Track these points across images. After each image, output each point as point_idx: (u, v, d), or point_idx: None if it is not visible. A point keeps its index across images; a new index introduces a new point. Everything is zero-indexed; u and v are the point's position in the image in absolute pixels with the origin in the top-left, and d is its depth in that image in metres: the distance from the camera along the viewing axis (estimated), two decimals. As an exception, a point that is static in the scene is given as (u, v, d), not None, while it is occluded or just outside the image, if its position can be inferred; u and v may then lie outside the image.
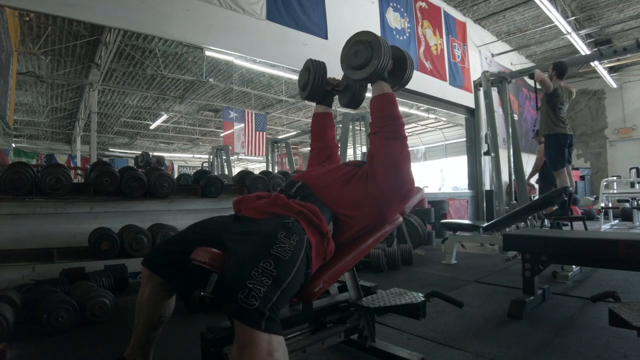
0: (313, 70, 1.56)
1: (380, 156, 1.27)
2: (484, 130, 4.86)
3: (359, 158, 5.95)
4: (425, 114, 12.56)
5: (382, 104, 1.31)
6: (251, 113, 10.02)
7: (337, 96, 1.69)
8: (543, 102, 4.17)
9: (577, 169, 9.74)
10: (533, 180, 5.68)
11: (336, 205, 1.24)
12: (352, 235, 1.28)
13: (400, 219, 1.45)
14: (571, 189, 3.74)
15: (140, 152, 5.77)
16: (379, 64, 1.26)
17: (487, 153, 4.49)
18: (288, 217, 1.09)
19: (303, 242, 1.03)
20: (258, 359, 0.79)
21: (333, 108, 1.70)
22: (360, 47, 1.30)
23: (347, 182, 1.28)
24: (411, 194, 1.36)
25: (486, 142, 4.51)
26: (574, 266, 2.84)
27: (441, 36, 6.26)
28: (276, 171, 6.52)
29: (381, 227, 1.34)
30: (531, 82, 4.33)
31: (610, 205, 6.19)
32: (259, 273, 0.86)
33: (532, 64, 8.81)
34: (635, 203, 6.22)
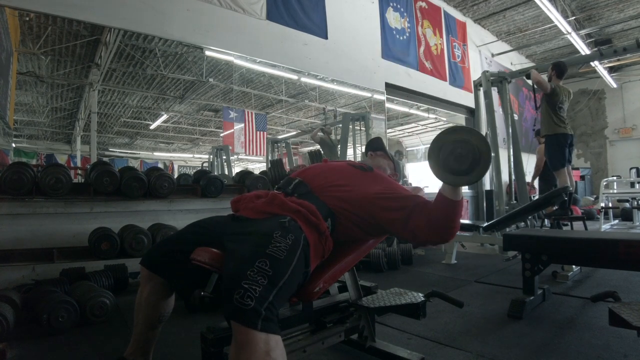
0: (273, 169, 1.76)
1: (415, 240, 1.19)
2: (484, 130, 4.86)
3: (359, 158, 5.95)
4: (425, 114, 12.51)
5: (452, 211, 1.11)
6: (251, 113, 10.00)
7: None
8: (542, 102, 4.17)
9: (577, 169, 9.74)
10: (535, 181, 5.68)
11: (336, 205, 1.23)
12: (352, 235, 1.28)
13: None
14: (571, 188, 3.74)
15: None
16: (481, 175, 1.05)
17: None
18: (284, 217, 1.10)
19: (299, 241, 1.03)
20: (255, 358, 0.79)
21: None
22: (468, 152, 1.04)
23: (352, 186, 1.27)
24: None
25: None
26: (574, 266, 2.84)
27: (441, 36, 6.26)
28: (276, 171, 6.51)
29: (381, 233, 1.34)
30: (531, 82, 4.33)
31: (610, 205, 6.19)
32: (255, 273, 0.87)
33: (532, 64, 8.81)
34: (635, 203, 6.21)
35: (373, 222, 1.23)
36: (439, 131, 1.13)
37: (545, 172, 4.98)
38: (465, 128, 1.13)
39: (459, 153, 1.05)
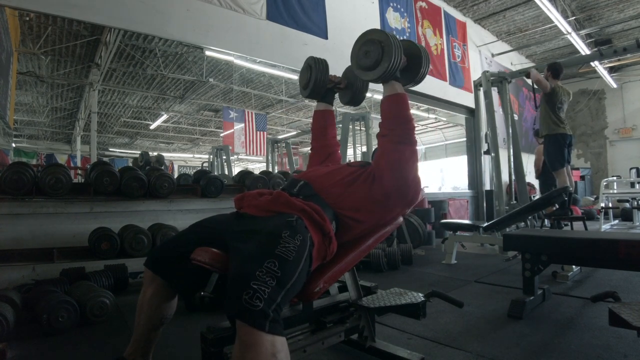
0: (315, 68, 1.54)
1: (388, 160, 1.23)
2: (484, 130, 4.86)
3: (359, 158, 5.95)
4: (425, 114, 12.56)
5: (393, 106, 1.26)
6: (251, 113, 10.02)
7: (337, 94, 1.69)
8: (542, 102, 4.17)
9: (577, 169, 9.74)
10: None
11: (338, 206, 1.23)
12: (354, 235, 1.28)
13: (401, 219, 1.45)
14: (571, 189, 3.74)
15: (140, 152, 5.77)
16: (389, 65, 1.20)
17: (487, 152, 4.49)
18: (291, 215, 1.08)
19: (307, 242, 1.02)
20: None
21: (333, 107, 1.70)
22: (371, 47, 1.24)
23: (350, 184, 1.27)
24: (416, 200, 1.32)
25: (486, 142, 4.52)
26: (574, 266, 2.84)
27: (441, 36, 6.26)
28: (276, 171, 6.52)
29: (382, 227, 1.34)
30: (531, 82, 4.34)
31: (610, 205, 6.19)
32: (264, 274, 0.86)
33: (532, 64, 8.81)
34: (635, 203, 6.21)
35: (373, 202, 1.23)
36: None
37: (544, 172, 4.98)
38: (368, 30, 1.30)
39: (365, 50, 1.27)
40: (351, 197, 1.24)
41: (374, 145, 1.53)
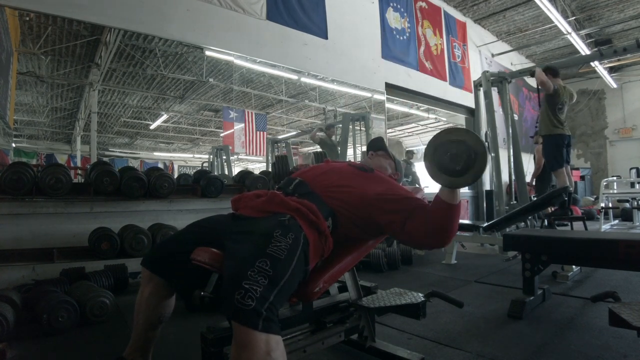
0: (277, 165, 1.81)
1: (412, 242, 1.25)
2: (484, 130, 4.86)
3: (359, 158, 5.95)
4: (425, 114, 12.52)
5: (449, 215, 1.11)
6: (251, 113, 10.00)
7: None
8: (543, 102, 4.17)
9: (577, 169, 9.74)
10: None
11: (337, 205, 1.23)
12: (353, 234, 1.28)
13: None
14: (571, 189, 3.74)
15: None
16: (475, 178, 1.05)
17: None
18: (284, 215, 1.09)
19: (299, 240, 1.03)
20: (256, 359, 0.79)
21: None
22: (463, 153, 1.04)
23: (350, 187, 1.27)
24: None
25: (486, 140, 4.51)
26: (574, 266, 2.84)
27: (441, 36, 6.26)
28: (276, 171, 6.52)
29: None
30: (533, 82, 4.32)
31: (610, 205, 6.19)
32: (255, 273, 0.86)
33: (532, 64, 8.81)
34: (635, 203, 6.21)
35: (372, 223, 1.23)
36: (439, 131, 1.13)
37: (542, 173, 4.98)
38: (462, 129, 1.12)
39: (454, 153, 1.05)
40: (352, 202, 1.24)
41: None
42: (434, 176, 1.10)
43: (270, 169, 8.00)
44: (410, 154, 7.57)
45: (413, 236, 1.16)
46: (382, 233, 1.31)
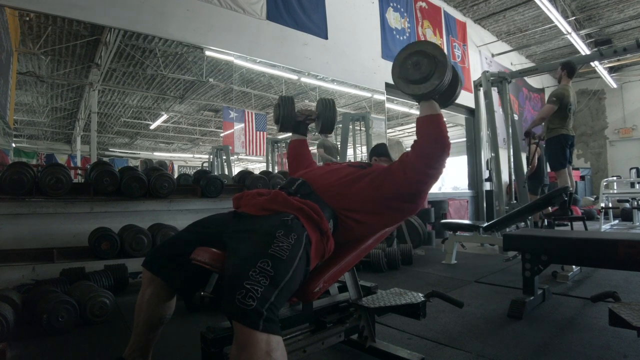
0: (282, 106, 1.65)
1: (411, 182, 1.21)
2: (484, 130, 4.86)
3: (359, 158, 5.95)
4: (425, 114, 12.54)
5: (433, 127, 1.18)
6: (251, 113, 9.98)
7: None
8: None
9: (577, 169, 9.74)
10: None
11: (337, 205, 1.24)
12: (353, 235, 1.28)
13: (401, 219, 1.45)
14: (571, 189, 3.74)
15: (141, 160, 5.79)
16: (440, 83, 1.13)
17: (488, 179, 4.51)
18: (287, 214, 1.09)
19: (302, 240, 1.03)
20: (257, 359, 0.79)
21: (306, 138, 1.76)
22: (422, 59, 1.15)
23: (350, 184, 1.28)
24: (418, 210, 1.34)
25: (487, 168, 4.56)
26: (574, 266, 2.84)
27: (441, 36, 6.26)
28: (276, 171, 6.52)
29: (381, 228, 1.34)
30: (533, 82, 4.35)
31: (610, 205, 6.19)
32: (257, 273, 0.86)
33: (532, 64, 8.81)
34: (635, 203, 6.22)
35: (377, 204, 1.23)
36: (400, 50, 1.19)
37: (535, 172, 4.98)
38: (418, 41, 1.22)
39: (415, 61, 1.16)
40: (351, 197, 1.24)
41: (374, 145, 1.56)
42: (404, 88, 1.19)
43: (270, 169, 8.00)
44: None
45: (415, 166, 1.18)
46: (390, 216, 1.30)
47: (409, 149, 1.23)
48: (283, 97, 1.64)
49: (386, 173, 1.26)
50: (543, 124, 4.31)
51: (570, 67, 4.08)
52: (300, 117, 1.67)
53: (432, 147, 1.17)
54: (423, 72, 1.15)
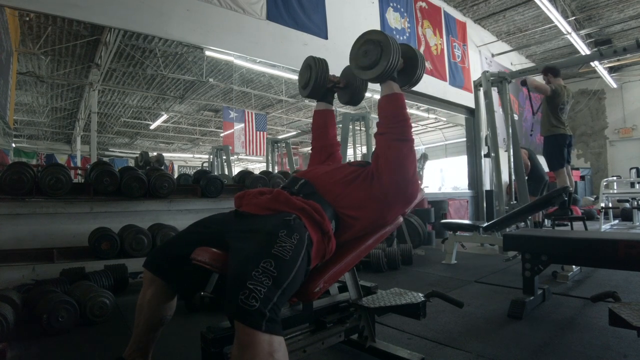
0: (315, 68, 1.54)
1: (386, 158, 1.24)
2: (484, 130, 4.86)
3: (359, 158, 5.95)
4: (425, 114, 12.55)
5: (390, 105, 1.28)
6: (251, 113, 10.01)
7: (336, 94, 1.69)
8: (543, 103, 4.18)
9: (577, 169, 9.74)
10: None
11: (338, 205, 1.23)
12: (353, 234, 1.28)
13: (401, 219, 1.45)
14: (571, 188, 3.75)
15: (140, 152, 5.78)
16: (387, 64, 1.23)
17: (487, 155, 4.48)
18: (289, 214, 1.09)
19: (304, 241, 1.02)
20: (259, 359, 0.79)
21: (333, 107, 1.70)
22: (370, 46, 1.28)
23: (350, 182, 1.28)
24: (414, 198, 1.33)
25: (486, 144, 4.51)
26: (574, 266, 2.84)
27: (441, 36, 6.26)
28: (276, 171, 6.52)
29: (381, 227, 1.34)
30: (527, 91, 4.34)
31: (610, 205, 6.19)
32: (260, 273, 0.86)
33: (532, 64, 8.81)
34: (635, 203, 6.21)
35: (373, 201, 1.23)
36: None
37: (532, 172, 4.98)
38: (367, 31, 1.33)
39: (364, 50, 1.30)
40: (351, 195, 1.24)
41: (374, 145, 1.54)
42: (361, 75, 1.33)
43: (270, 169, 8.00)
44: (424, 157, 7.51)
45: (383, 147, 1.26)
46: (386, 212, 1.29)
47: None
48: (316, 58, 1.55)
49: (372, 170, 1.29)
50: (540, 124, 4.31)
51: (552, 69, 4.10)
52: (329, 83, 1.58)
53: (393, 122, 1.26)
54: (371, 57, 1.27)
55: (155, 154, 6.16)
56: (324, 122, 1.65)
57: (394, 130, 1.25)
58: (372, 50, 1.27)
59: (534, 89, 4.12)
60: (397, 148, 1.23)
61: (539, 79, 4.49)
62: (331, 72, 1.60)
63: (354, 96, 1.62)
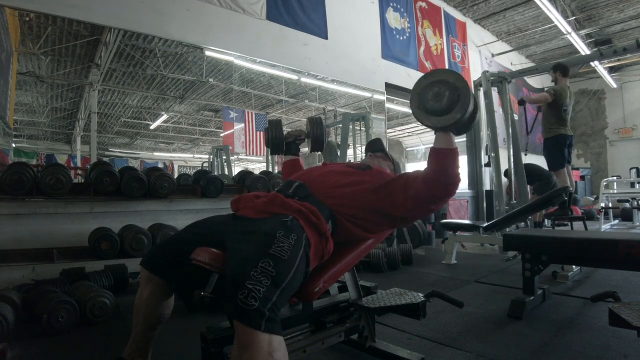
0: (271, 129, 1.68)
1: (412, 209, 1.19)
2: (484, 130, 4.86)
3: (359, 158, 5.94)
4: (425, 114, 12.54)
5: (447, 162, 1.10)
6: (251, 113, 9.98)
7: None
8: (544, 105, 4.19)
9: (577, 169, 9.74)
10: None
11: (336, 206, 1.23)
12: (351, 235, 1.28)
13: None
14: (571, 188, 3.75)
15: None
16: (461, 117, 1.05)
17: (487, 164, 4.49)
18: (286, 216, 1.09)
19: (302, 241, 1.03)
20: (258, 359, 0.79)
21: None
22: (445, 90, 1.07)
23: (349, 186, 1.27)
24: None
25: (486, 154, 4.53)
26: (574, 266, 2.84)
27: (441, 36, 6.26)
28: (276, 171, 6.52)
29: (380, 231, 1.34)
30: (533, 82, 4.34)
31: (610, 205, 6.19)
32: (258, 273, 0.86)
33: (532, 64, 8.81)
34: (635, 203, 6.21)
35: (375, 215, 1.23)
36: (419, 77, 1.15)
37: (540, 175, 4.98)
38: (440, 69, 1.14)
39: (436, 92, 1.08)
40: (349, 199, 1.24)
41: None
42: (422, 119, 1.11)
43: (270, 169, 8.00)
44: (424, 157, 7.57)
45: (419, 196, 1.15)
46: (384, 226, 1.31)
47: (419, 171, 1.17)
48: (271, 121, 1.70)
49: (387, 189, 1.22)
50: (541, 125, 4.31)
51: (563, 67, 4.10)
52: (290, 138, 1.70)
53: (441, 184, 1.11)
54: (444, 104, 1.07)
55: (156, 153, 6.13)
56: (291, 170, 1.72)
57: (441, 191, 1.13)
58: (446, 95, 1.06)
59: (534, 103, 4.17)
60: (434, 207, 1.20)
61: (538, 78, 4.49)
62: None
63: (315, 144, 1.69)
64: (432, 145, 1.14)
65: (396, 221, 1.30)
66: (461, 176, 1.16)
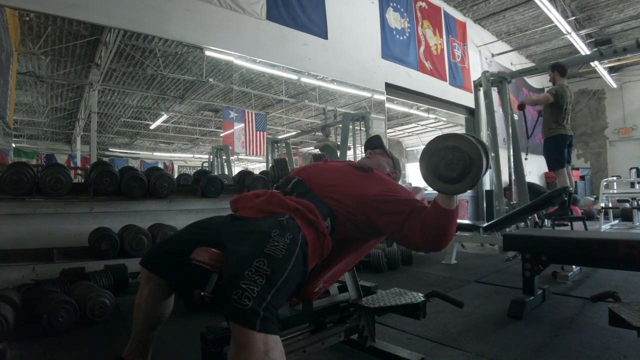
0: (276, 168, 1.81)
1: (403, 241, 1.19)
2: (484, 130, 4.86)
3: (358, 158, 5.95)
4: (425, 114, 12.51)
5: (446, 221, 1.09)
6: (251, 113, 9.99)
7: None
8: (545, 106, 4.19)
9: (577, 169, 9.74)
10: None
11: (335, 204, 1.23)
12: (351, 233, 1.27)
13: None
14: (571, 188, 3.75)
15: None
16: (472, 187, 1.03)
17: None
18: (283, 215, 1.09)
19: (297, 240, 1.03)
20: (254, 359, 0.79)
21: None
22: (459, 160, 1.01)
23: (348, 184, 1.27)
24: None
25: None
26: (574, 266, 2.84)
27: (441, 36, 6.26)
28: (276, 171, 6.53)
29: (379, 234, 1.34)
30: (533, 82, 4.35)
31: (610, 205, 6.19)
32: (253, 273, 0.86)
33: (532, 64, 8.81)
34: (635, 203, 6.21)
35: (370, 223, 1.22)
36: (439, 131, 1.13)
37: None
38: (458, 134, 1.07)
39: (450, 159, 1.03)
40: (350, 198, 1.24)
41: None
42: (430, 182, 1.08)
43: (270, 169, 8.01)
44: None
45: (410, 239, 1.15)
46: (380, 233, 1.31)
47: (425, 207, 1.15)
48: (277, 160, 1.76)
49: (387, 208, 1.19)
50: (542, 126, 4.32)
51: (560, 67, 4.10)
52: None
53: (433, 236, 1.11)
54: (456, 172, 1.02)
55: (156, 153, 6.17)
56: None
57: (435, 241, 1.13)
58: (460, 165, 1.01)
59: (535, 104, 4.17)
60: (421, 249, 1.24)
61: (538, 78, 4.50)
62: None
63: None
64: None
65: (396, 240, 1.28)
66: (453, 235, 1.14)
